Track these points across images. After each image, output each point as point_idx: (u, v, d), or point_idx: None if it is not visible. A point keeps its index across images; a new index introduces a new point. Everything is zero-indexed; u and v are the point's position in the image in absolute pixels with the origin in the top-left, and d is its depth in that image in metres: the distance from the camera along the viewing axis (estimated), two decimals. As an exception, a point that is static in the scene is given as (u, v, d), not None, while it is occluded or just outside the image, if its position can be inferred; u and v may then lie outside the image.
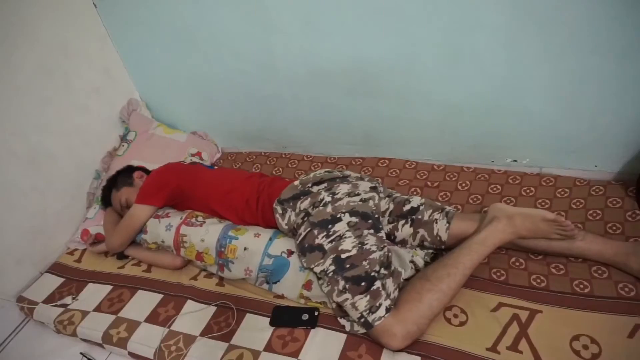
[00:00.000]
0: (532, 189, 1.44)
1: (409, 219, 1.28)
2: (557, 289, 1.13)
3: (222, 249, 1.32)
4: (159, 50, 1.79)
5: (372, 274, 1.10)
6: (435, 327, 1.11)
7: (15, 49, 1.50)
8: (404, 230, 1.28)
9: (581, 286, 1.12)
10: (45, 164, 1.61)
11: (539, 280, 1.16)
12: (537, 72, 1.31)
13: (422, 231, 1.26)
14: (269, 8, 1.47)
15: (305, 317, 1.19)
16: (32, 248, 1.58)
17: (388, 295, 1.09)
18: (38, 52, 1.57)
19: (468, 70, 1.38)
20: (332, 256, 1.13)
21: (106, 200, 1.61)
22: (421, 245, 1.28)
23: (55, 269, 1.59)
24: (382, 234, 1.22)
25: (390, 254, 1.19)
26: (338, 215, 1.18)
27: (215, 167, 1.70)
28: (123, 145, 1.90)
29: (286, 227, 1.30)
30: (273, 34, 1.54)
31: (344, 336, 1.14)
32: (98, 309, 1.38)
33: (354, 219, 1.18)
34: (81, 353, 1.32)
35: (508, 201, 1.42)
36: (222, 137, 2.08)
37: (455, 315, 1.13)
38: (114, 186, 1.57)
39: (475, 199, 1.47)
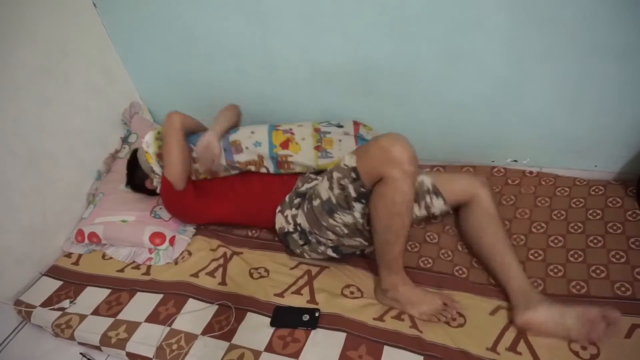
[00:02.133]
0: (532, 187, 1.45)
1: None
2: (554, 292, 1.14)
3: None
4: (159, 50, 1.79)
5: None
6: (436, 329, 1.12)
7: (15, 49, 1.49)
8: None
9: (578, 287, 1.13)
10: (45, 164, 1.61)
11: (536, 284, 1.16)
12: (538, 72, 1.31)
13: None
14: (268, 8, 1.47)
15: (305, 317, 1.20)
16: (31, 248, 1.57)
17: None
18: (38, 52, 1.57)
19: (468, 70, 1.38)
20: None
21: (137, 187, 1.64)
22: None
23: (53, 272, 1.57)
24: None
25: None
26: None
27: None
28: (125, 148, 1.90)
29: None
30: (273, 34, 1.54)
31: (344, 337, 1.14)
32: (96, 312, 1.37)
33: None
34: (81, 353, 1.32)
35: (508, 200, 1.43)
36: (222, 137, 2.07)
37: (454, 319, 1.13)
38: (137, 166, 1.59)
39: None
